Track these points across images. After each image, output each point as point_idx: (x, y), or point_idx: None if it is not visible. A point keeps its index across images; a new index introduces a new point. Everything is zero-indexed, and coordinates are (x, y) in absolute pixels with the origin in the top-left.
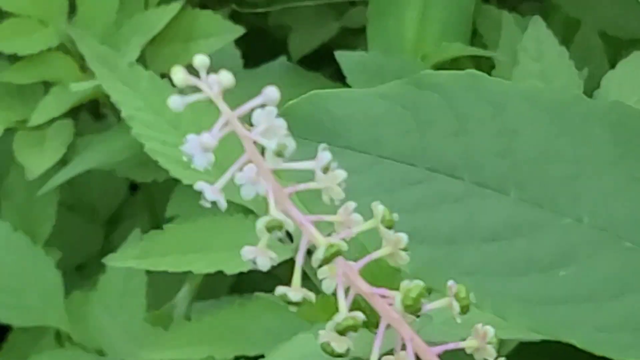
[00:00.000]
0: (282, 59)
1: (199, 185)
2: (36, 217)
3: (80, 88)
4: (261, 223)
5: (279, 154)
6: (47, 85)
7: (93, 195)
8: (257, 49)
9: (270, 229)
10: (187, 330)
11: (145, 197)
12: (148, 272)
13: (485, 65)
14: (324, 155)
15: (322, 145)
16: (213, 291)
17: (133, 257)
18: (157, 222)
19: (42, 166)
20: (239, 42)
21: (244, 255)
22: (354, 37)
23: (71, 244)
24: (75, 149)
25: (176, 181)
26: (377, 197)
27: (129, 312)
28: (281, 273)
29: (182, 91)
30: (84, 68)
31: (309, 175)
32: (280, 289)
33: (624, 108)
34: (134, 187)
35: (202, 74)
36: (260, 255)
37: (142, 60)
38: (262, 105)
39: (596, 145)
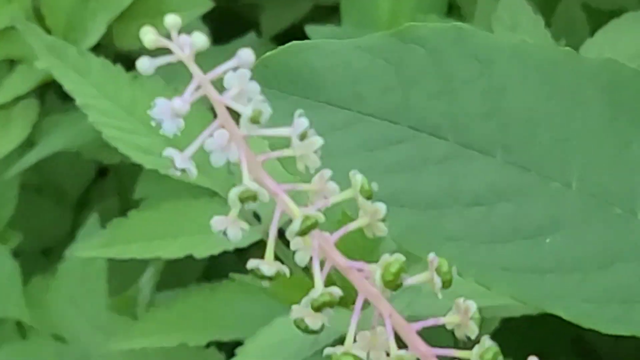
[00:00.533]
0: (251, 35)
1: (168, 152)
2: None
3: (46, 65)
4: (234, 193)
5: (255, 120)
6: (11, 64)
7: (61, 177)
8: (227, 29)
9: (243, 199)
10: (157, 318)
11: (115, 180)
12: (109, 259)
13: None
14: (301, 121)
15: (299, 111)
16: (182, 279)
17: (98, 246)
18: (127, 205)
19: (7, 146)
20: (208, 22)
21: (214, 226)
22: (327, 16)
23: (38, 227)
24: (41, 130)
25: None
26: (358, 157)
27: (90, 299)
28: (253, 257)
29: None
30: None
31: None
32: (252, 262)
33: (617, 66)
34: (104, 169)
35: (174, 34)
36: (231, 226)
37: (109, 37)
38: (235, 69)
39: (588, 107)
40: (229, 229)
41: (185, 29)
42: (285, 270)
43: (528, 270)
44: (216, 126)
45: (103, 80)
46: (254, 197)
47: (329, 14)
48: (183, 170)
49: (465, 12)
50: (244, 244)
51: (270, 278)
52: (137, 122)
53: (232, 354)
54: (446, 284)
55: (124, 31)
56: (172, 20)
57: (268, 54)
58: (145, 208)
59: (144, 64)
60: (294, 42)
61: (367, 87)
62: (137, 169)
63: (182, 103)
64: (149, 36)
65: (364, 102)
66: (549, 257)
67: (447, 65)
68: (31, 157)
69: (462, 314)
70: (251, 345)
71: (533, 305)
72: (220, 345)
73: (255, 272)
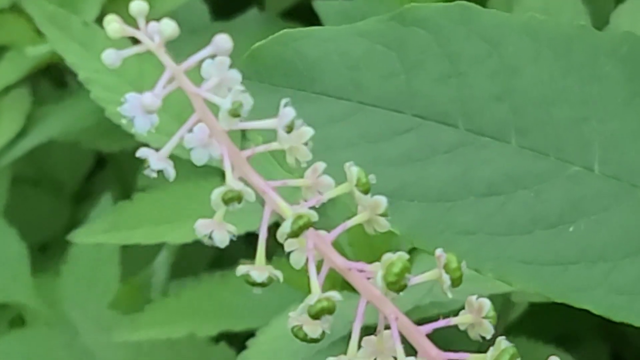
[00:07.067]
0: (254, 10)
1: (142, 152)
2: None
3: (37, 52)
4: (216, 194)
5: (234, 113)
6: None
7: (57, 169)
8: (228, 4)
9: (227, 200)
10: (165, 307)
11: (114, 170)
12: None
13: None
14: (287, 111)
15: (285, 101)
16: (190, 267)
17: (101, 232)
18: (129, 196)
19: None
20: None
21: (198, 231)
22: None
23: (34, 221)
24: (35, 120)
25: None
26: (360, 150)
27: (102, 284)
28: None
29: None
30: (40, 30)
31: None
32: (242, 268)
33: (636, 40)
34: (103, 159)
35: (141, 22)
36: (217, 229)
37: (103, 16)
38: (213, 56)
39: (606, 83)
40: (215, 233)
41: (184, 8)
42: (279, 274)
43: (550, 263)
44: (195, 120)
45: None
46: (238, 198)
47: None
48: (160, 172)
49: None
50: (233, 235)
51: (262, 284)
52: None
53: (244, 346)
54: (456, 282)
55: (119, 10)
56: (137, 7)
57: (258, 44)
58: (151, 190)
59: (109, 56)
60: (286, 30)
61: (367, 75)
62: (137, 158)
63: (153, 98)
64: (112, 25)
65: (364, 91)
66: (573, 247)
67: (453, 46)
68: (22, 147)
69: (476, 313)
70: (263, 336)
71: (557, 299)
72: (231, 337)
73: (246, 279)
